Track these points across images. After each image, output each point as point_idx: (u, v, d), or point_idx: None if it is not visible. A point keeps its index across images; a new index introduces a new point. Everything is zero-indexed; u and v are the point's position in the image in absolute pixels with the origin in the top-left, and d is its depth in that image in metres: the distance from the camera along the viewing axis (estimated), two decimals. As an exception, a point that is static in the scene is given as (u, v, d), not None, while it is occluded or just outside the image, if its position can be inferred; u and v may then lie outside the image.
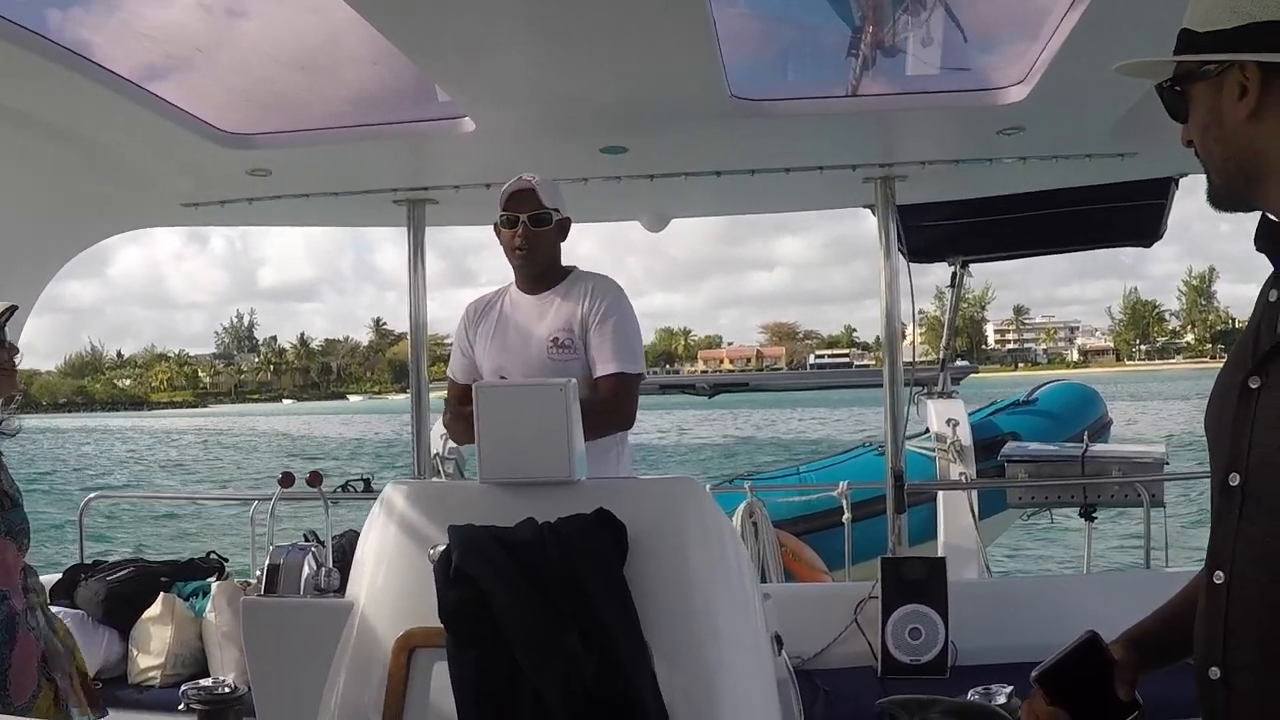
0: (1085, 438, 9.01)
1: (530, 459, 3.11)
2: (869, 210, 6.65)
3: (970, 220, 7.66)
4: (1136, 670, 2.14)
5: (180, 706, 4.45)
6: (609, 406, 4.64)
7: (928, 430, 9.68)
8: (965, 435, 9.09)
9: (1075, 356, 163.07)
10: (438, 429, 7.06)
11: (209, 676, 4.96)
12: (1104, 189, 6.96)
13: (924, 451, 9.33)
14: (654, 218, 7.08)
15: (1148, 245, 8.27)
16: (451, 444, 8.18)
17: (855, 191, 6.39)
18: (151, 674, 5.75)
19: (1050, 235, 8.27)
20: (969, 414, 9.77)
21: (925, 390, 9.51)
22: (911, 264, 6.83)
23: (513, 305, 4.88)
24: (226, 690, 4.36)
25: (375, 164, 5.88)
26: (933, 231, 7.61)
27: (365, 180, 6.13)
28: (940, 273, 9.04)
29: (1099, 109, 5.15)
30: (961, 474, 8.91)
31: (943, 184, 6.53)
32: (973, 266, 9.18)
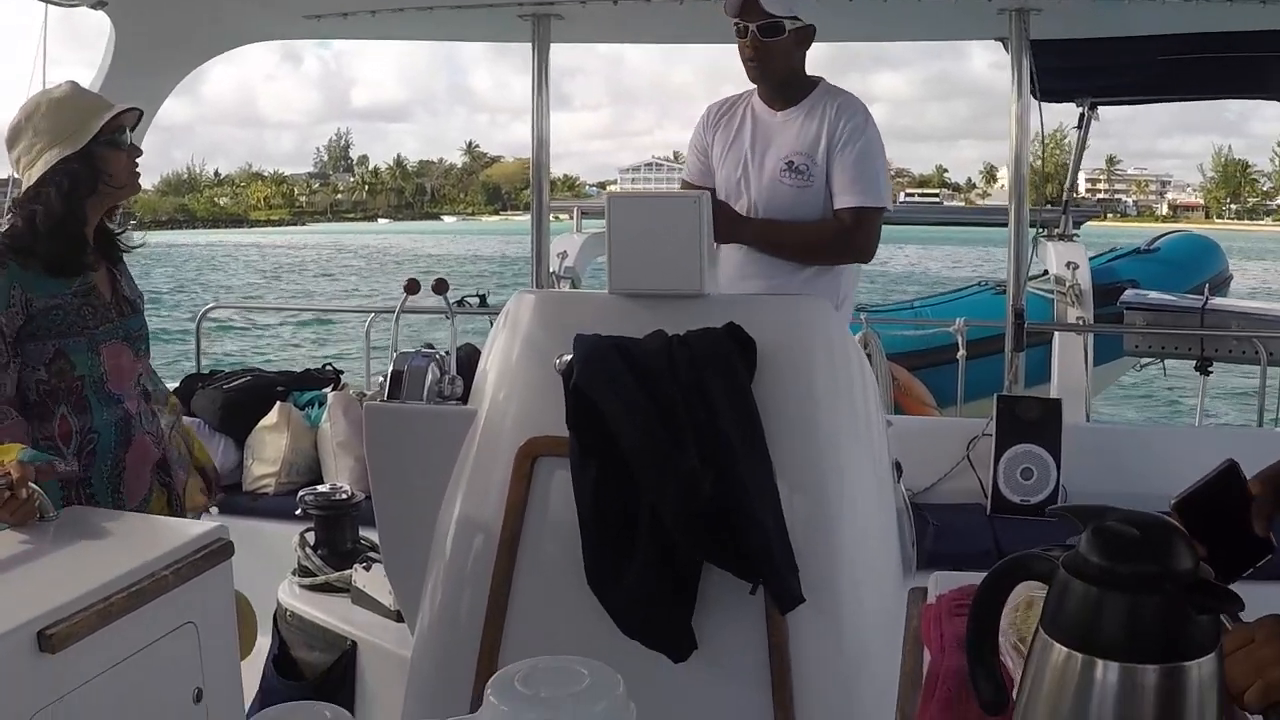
0: (1206, 290, 8.85)
1: (661, 271, 3.07)
2: (1001, 44, 6.47)
3: (1104, 61, 7.40)
4: (1273, 509, 2.07)
5: (297, 512, 4.50)
6: (842, 239, 4.35)
7: (1046, 272, 9.54)
8: (1084, 279, 8.93)
9: (1165, 210, 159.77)
10: (557, 245, 7.03)
11: (324, 484, 5.02)
12: (1243, 37, 6.69)
13: (1042, 293, 9.20)
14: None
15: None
16: (568, 262, 8.17)
17: (989, 23, 6.18)
18: (266, 481, 5.85)
19: (1186, 81, 7.98)
20: (1089, 259, 9.61)
21: (1045, 232, 9.32)
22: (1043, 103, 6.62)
23: (753, 117, 4.54)
24: (344, 496, 4.40)
25: None
26: (1064, 70, 7.36)
27: None
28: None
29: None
30: (1079, 318, 8.78)
31: (1078, 20, 6.30)
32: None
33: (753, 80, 4.47)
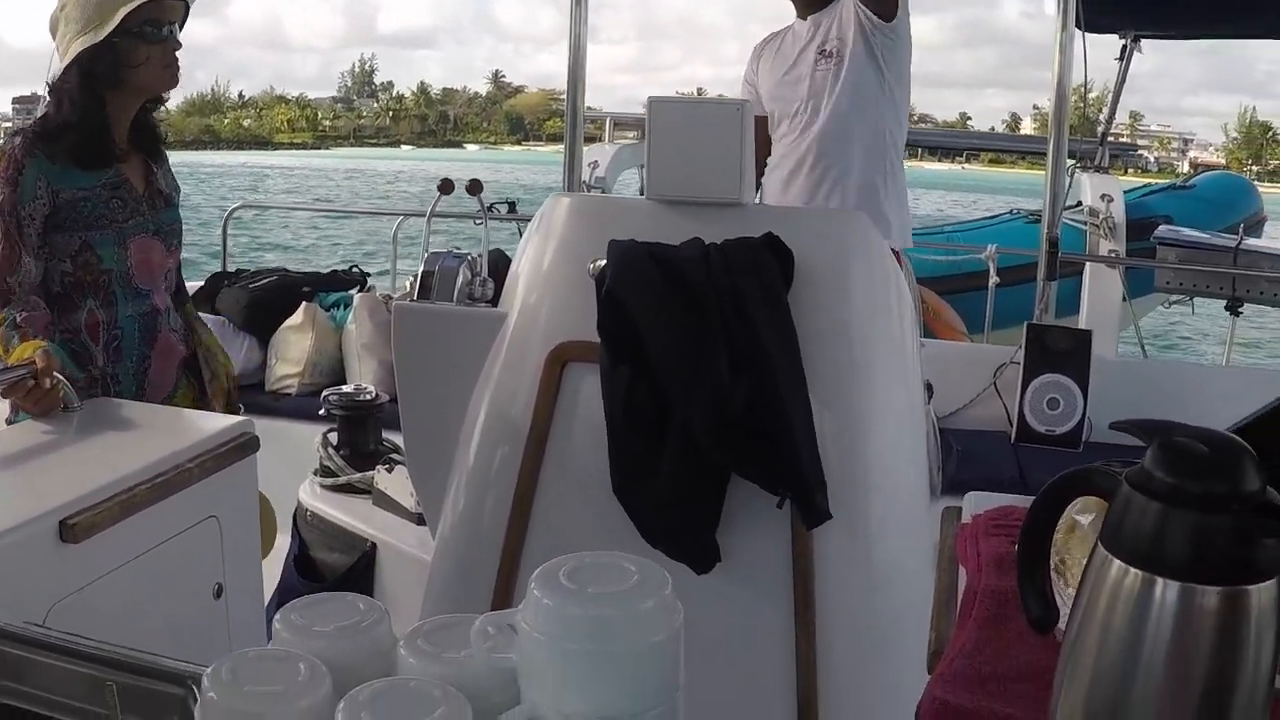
0: (1240, 230, 8.79)
1: (700, 178, 3.01)
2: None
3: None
4: None
5: (320, 413, 4.49)
6: None
7: (1079, 203, 9.45)
8: (1119, 212, 8.84)
9: (1186, 168, 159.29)
10: (588, 156, 6.96)
11: (348, 385, 5.01)
12: None
13: (1075, 224, 9.12)
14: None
15: None
16: (599, 172, 8.11)
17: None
18: (289, 381, 5.84)
19: (1230, 19, 7.87)
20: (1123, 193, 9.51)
21: (1081, 164, 9.21)
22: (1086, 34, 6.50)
23: (792, 34, 4.75)
24: (368, 397, 4.38)
25: None
26: (1109, 1, 7.24)
27: None
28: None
29: None
30: (1111, 250, 8.70)
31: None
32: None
33: None
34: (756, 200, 3.42)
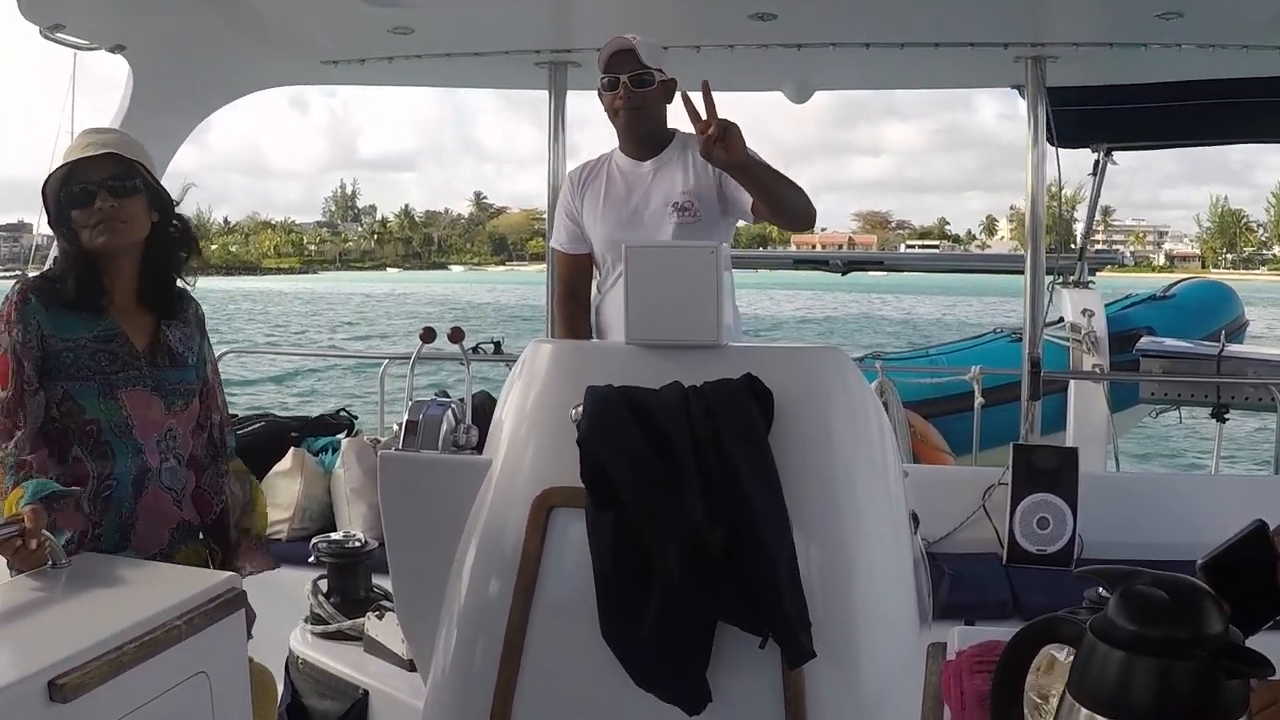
0: (1222, 337, 8.86)
1: (677, 321, 3.06)
2: (1016, 92, 6.50)
3: (1119, 106, 7.43)
4: None
5: (310, 559, 4.49)
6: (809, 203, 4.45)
7: (1061, 319, 9.54)
8: (1100, 326, 8.95)
9: (1162, 261, 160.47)
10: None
11: (337, 531, 5.02)
12: (1259, 83, 6.70)
13: (1058, 341, 9.20)
14: (797, 88, 6.93)
15: None
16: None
17: (1004, 70, 6.22)
18: (279, 527, 5.82)
19: (1199, 127, 8.01)
20: (1104, 306, 9.61)
21: (1061, 279, 9.31)
22: (1059, 149, 6.62)
23: (620, 172, 4.70)
24: (357, 544, 4.39)
25: (519, 24, 5.80)
26: (1080, 116, 7.38)
27: (508, 41, 6.06)
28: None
29: (1259, -3, 4.96)
30: (1095, 365, 8.78)
31: (1094, 68, 6.35)
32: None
33: (622, 129, 4.61)
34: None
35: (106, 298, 3.24)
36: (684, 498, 2.81)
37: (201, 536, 3.49)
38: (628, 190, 4.64)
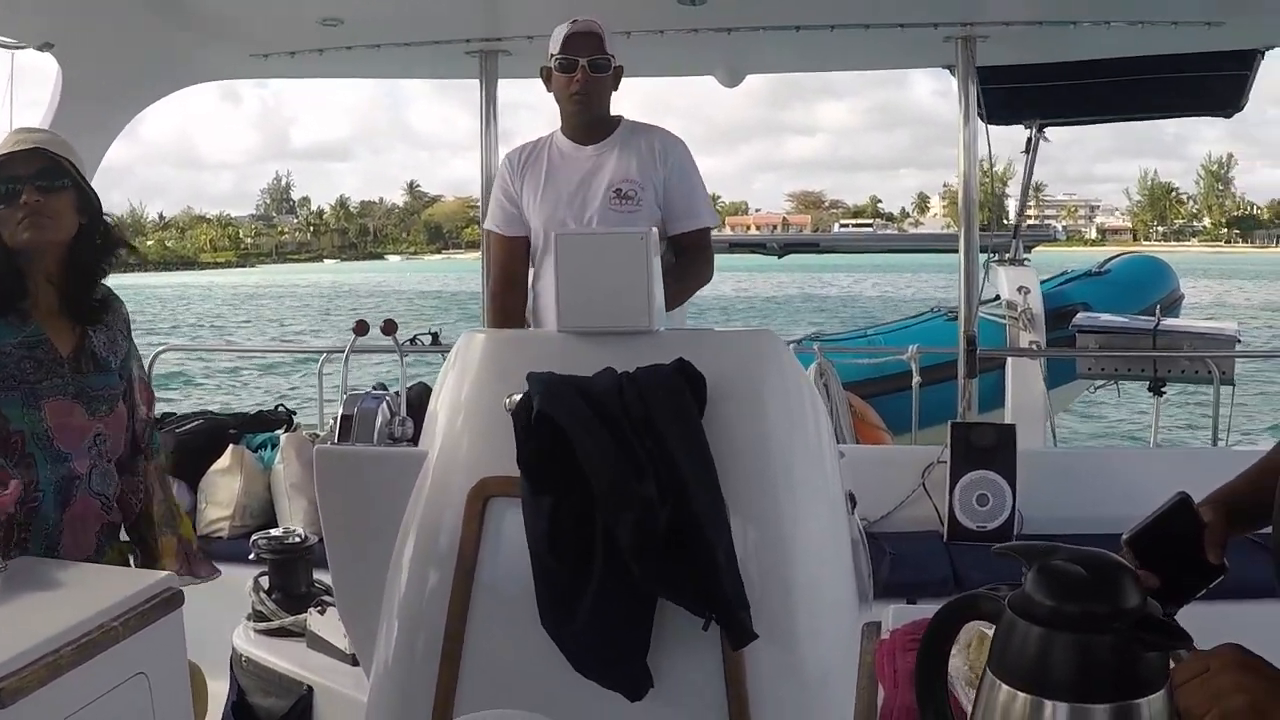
0: (1157, 311, 8.95)
1: (609, 308, 3.07)
2: (948, 71, 6.52)
3: (1050, 83, 7.48)
4: (1226, 533, 2.08)
5: (250, 556, 4.48)
6: (702, 260, 4.58)
7: (998, 297, 9.60)
8: (1036, 303, 9.01)
9: (1094, 235, 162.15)
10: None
11: (278, 527, 4.99)
12: (1187, 58, 6.77)
13: (994, 318, 9.26)
14: (729, 73, 6.94)
15: (1228, 115, 8.05)
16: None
17: (935, 51, 6.24)
18: (220, 525, 5.79)
19: (1129, 101, 8.06)
20: (1040, 282, 9.68)
21: (997, 257, 9.37)
22: (991, 126, 6.65)
23: (561, 156, 4.66)
24: (297, 540, 4.37)
25: (448, 13, 5.77)
26: (1011, 94, 7.43)
27: (438, 30, 6.02)
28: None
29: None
30: (1032, 342, 8.84)
31: (1024, 47, 6.37)
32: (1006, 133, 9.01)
33: (573, 113, 4.60)
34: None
35: (29, 301, 3.17)
36: (637, 472, 2.83)
37: (124, 537, 3.45)
38: (569, 173, 4.61)
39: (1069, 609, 1.21)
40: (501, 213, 4.76)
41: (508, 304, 4.73)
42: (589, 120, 4.59)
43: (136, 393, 3.47)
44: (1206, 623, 1.56)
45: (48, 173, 3.15)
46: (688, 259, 4.55)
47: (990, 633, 1.72)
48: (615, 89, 4.61)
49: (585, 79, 4.46)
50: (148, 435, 3.52)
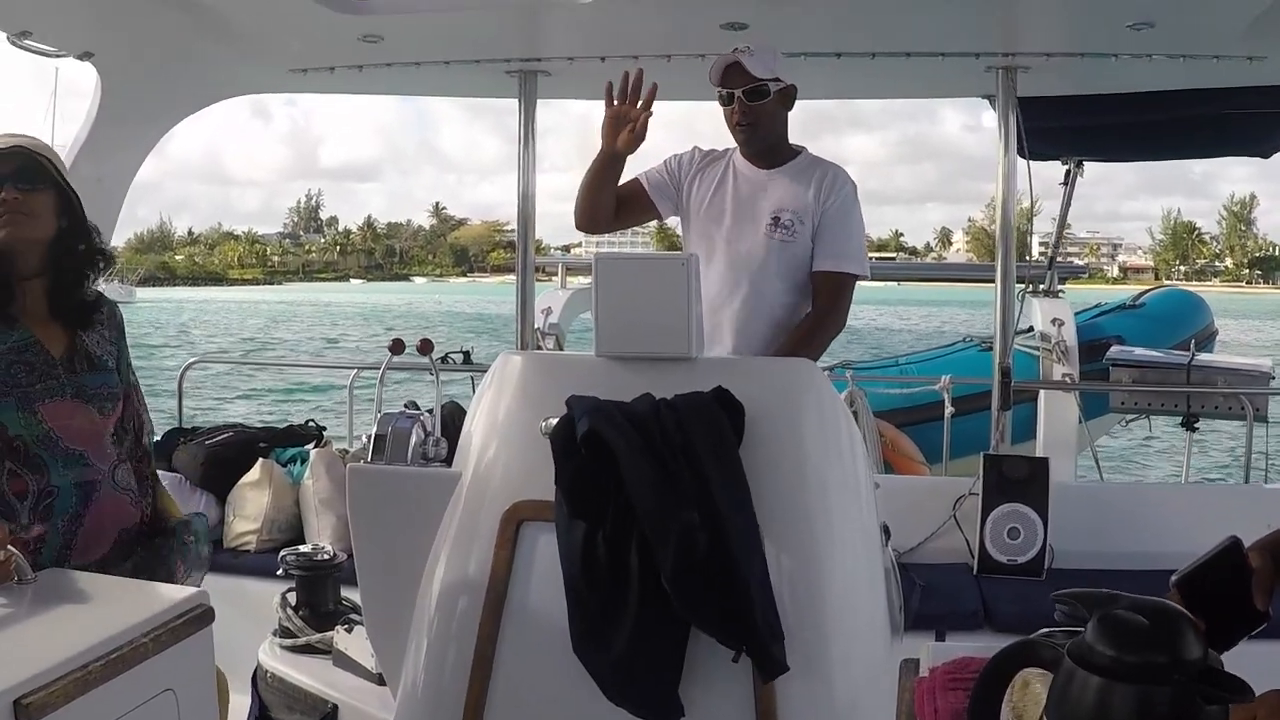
0: (1191, 346, 8.91)
1: (648, 333, 3.04)
2: (987, 101, 6.50)
3: (1091, 118, 7.44)
4: (1274, 579, 2.04)
5: (278, 572, 4.47)
6: (835, 309, 4.51)
7: (1031, 329, 9.55)
8: (1070, 335, 8.97)
9: (1116, 273, 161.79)
10: (541, 301, 7.00)
11: (305, 543, 4.98)
12: (1227, 93, 6.72)
13: (1028, 350, 9.22)
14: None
15: (1266, 156, 8.02)
16: (553, 318, 8.15)
17: (975, 80, 6.21)
18: (247, 539, 5.80)
19: (1173, 139, 8.03)
20: (1074, 315, 9.63)
21: (1031, 289, 9.33)
22: (1031, 161, 6.61)
23: (735, 173, 4.63)
24: (325, 557, 4.36)
25: (489, 33, 5.76)
26: (1051, 128, 7.39)
27: (478, 50, 6.02)
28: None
29: (1232, 7, 4.96)
30: (1065, 374, 8.80)
31: (1065, 78, 6.34)
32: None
33: (743, 143, 4.56)
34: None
35: (16, 306, 3.16)
36: (681, 495, 2.81)
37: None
38: (737, 190, 4.59)
39: (1129, 659, 1.19)
40: (660, 176, 4.72)
41: (598, 196, 4.61)
42: (759, 148, 4.57)
43: (136, 397, 3.47)
44: (1254, 662, 1.53)
45: (26, 171, 3.14)
46: (820, 304, 4.50)
47: (1036, 675, 1.69)
48: (788, 108, 4.60)
49: (744, 110, 4.45)
50: (148, 443, 3.52)
